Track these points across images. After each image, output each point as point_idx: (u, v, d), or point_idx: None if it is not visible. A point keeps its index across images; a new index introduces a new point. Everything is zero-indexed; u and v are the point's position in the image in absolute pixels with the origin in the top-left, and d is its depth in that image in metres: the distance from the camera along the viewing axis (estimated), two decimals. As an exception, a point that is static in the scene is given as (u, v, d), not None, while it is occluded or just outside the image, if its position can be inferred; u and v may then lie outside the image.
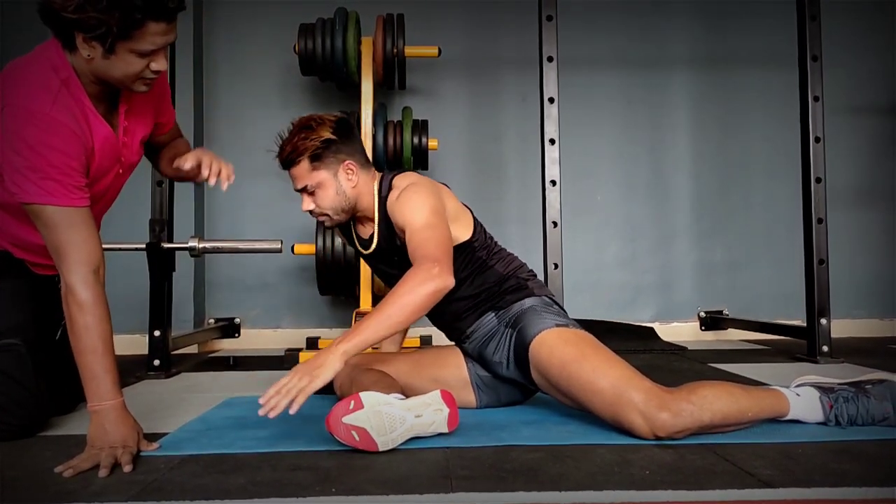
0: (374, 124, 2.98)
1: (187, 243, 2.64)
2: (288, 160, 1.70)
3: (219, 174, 1.61)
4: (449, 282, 1.49)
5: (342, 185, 1.71)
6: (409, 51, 3.03)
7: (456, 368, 1.79)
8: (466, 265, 1.73)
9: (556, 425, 1.57)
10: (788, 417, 1.50)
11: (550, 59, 2.53)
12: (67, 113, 1.39)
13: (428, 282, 1.46)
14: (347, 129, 1.75)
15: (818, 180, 2.61)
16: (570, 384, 1.50)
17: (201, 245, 2.67)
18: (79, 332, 1.35)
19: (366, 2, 3.25)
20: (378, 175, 1.78)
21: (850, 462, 1.26)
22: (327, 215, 1.75)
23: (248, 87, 3.53)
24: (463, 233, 1.72)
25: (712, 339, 3.56)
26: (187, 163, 1.60)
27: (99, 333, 1.36)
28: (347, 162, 1.71)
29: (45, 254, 1.66)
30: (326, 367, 1.38)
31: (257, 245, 2.86)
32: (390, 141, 3.01)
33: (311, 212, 1.76)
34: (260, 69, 3.54)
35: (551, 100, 2.53)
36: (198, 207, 3.44)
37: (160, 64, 1.39)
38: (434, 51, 3.05)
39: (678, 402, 1.40)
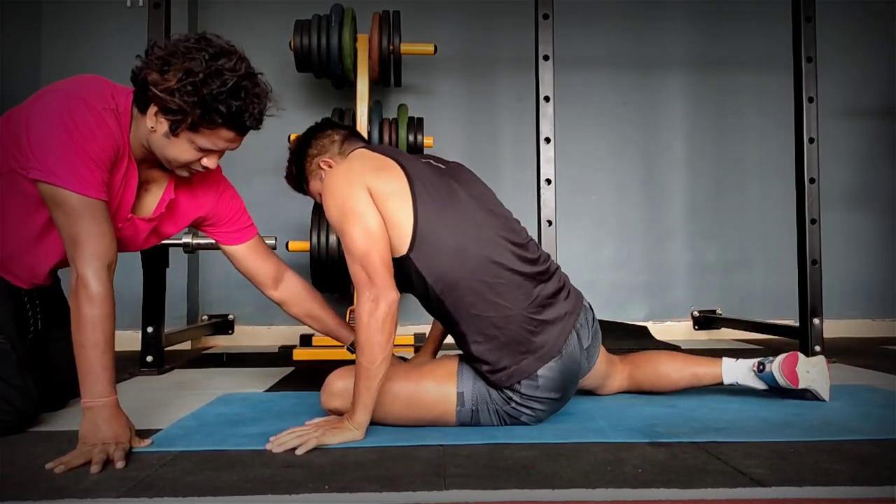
0: (370, 122, 2.97)
1: (181, 239, 2.63)
2: (301, 193, 1.79)
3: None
4: (391, 297, 1.41)
5: None
6: (405, 48, 3.02)
7: None
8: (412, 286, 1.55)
9: (549, 424, 1.57)
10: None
11: (546, 58, 2.53)
12: (114, 119, 1.43)
13: (372, 314, 1.40)
14: (309, 134, 1.74)
15: (812, 181, 2.62)
16: None
17: (195, 241, 2.66)
18: (84, 325, 1.34)
19: (362, -1, 3.25)
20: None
21: (841, 461, 1.27)
22: None
23: (243, 83, 3.51)
24: (399, 243, 1.50)
25: (705, 338, 3.57)
26: None
27: (104, 329, 1.35)
28: (321, 160, 1.69)
29: (25, 272, 1.63)
30: (345, 432, 1.42)
31: (251, 242, 2.84)
32: (385, 138, 3.01)
33: None
34: (255, 65, 3.47)
35: (547, 98, 2.53)
36: (192, 204, 3.42)
37: (212, 162, 1.45)
38: (430, 48, 3.04)
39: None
